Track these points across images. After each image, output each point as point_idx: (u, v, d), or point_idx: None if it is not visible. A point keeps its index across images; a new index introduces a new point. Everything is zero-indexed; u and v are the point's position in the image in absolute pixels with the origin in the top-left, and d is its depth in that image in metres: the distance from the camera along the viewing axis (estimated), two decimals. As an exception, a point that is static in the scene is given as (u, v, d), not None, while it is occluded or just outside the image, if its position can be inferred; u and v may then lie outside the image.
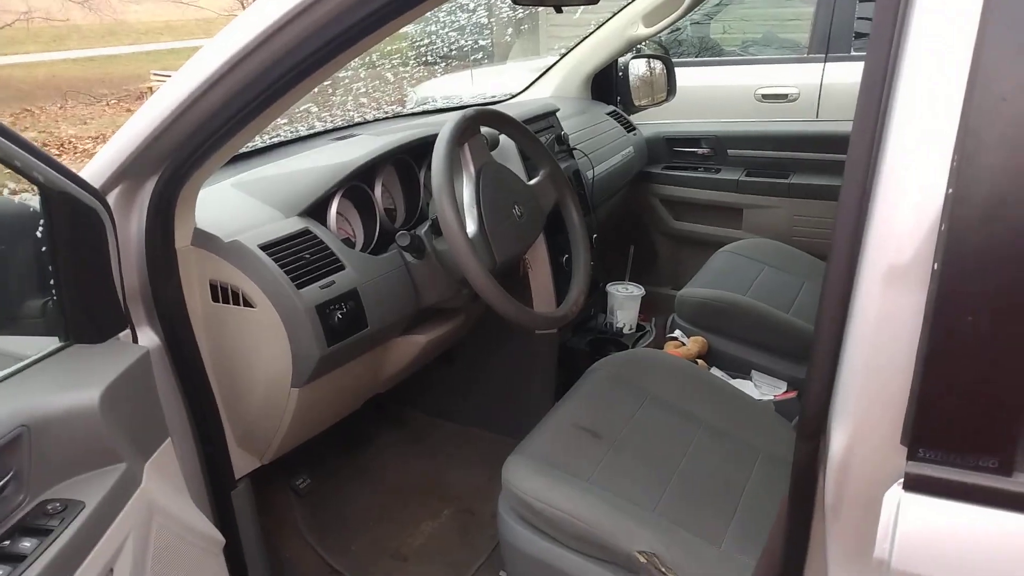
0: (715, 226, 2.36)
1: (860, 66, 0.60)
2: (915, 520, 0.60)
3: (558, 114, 1.92)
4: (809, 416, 0.67)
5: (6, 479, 0.81)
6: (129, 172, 1.04)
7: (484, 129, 1.38)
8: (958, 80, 0.54)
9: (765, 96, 3.48)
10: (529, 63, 2.52)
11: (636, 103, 2.41)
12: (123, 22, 18.54)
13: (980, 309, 0.55)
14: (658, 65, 2.46)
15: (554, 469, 1.18)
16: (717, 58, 3.99)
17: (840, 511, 0.66)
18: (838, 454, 0.65)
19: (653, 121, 2.53)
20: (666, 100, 2.47)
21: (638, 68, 2.42)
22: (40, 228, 0.92)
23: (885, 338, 0.59)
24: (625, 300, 1.88)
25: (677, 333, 1.83)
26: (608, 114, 2.27)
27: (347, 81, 2.32)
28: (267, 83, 0.96)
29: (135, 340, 1.06)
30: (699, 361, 1.75)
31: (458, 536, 1.64)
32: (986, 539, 0.58)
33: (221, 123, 1.00)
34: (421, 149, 1.52)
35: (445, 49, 2.54)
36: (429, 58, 2.48)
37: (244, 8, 0.98)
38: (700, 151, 2.38)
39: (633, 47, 2.28)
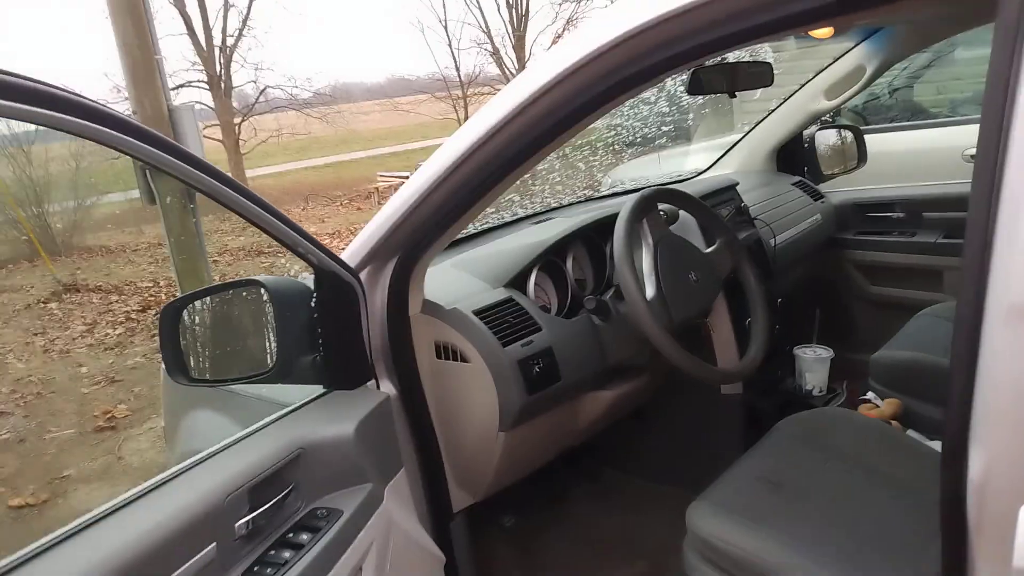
0: (913, 289, 2.31)
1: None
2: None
3: (739, 187, 2.04)
4: (951, 445, 0.74)
5: (289, 489, 1.06)
6: (376, 255, 1.31)
7: (663, 205, 1.55)
8: None
9: (973, 157, 3.32)
10: (714, 141, 2.66)
11: (825, 172, 2.45)
12: (354, 131, 20.87)
13: None
14: (848, 135, 2.50)
15: (735, 514, 1.27)
16: (916, 121, 3.87)
17: (983, 528, 0.72)
18: (977, 476, 0.71)
19: (844, 188, 2.55)
20: (856, 167, 2.49)
21: (826, 138, 2.47)
22: (313, 300, 1.21)
23: (1014, 371, 0.67)
24: (813, 363, 1.92)
25: (870, 395, 1.83)
26: (794, 184, 2.35)
27: (544, 172, 2.60)
28: (480, 180, 1.19)
29: (378, 388, 1.31)
30: (893, 422, 1.74)
31: None
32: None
33: (444, 214, 1.25)
34: (607, 226, 1.71)
35: (630, 138, 2.77)
36: (616, 147, 2.71)
37: (456, 112, 1.23)
38: (894, 215, 2.37)
39: (816, 120, 2.35)
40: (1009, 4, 0.66)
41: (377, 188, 12.72)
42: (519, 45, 17.79)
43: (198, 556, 0.88)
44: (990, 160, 0.69)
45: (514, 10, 18.40)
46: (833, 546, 1.19)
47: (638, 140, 2.82)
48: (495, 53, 18.30)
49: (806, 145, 2.43)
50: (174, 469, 0.99)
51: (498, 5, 18.02)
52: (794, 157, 2.43)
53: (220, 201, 1.00)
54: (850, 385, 2.02)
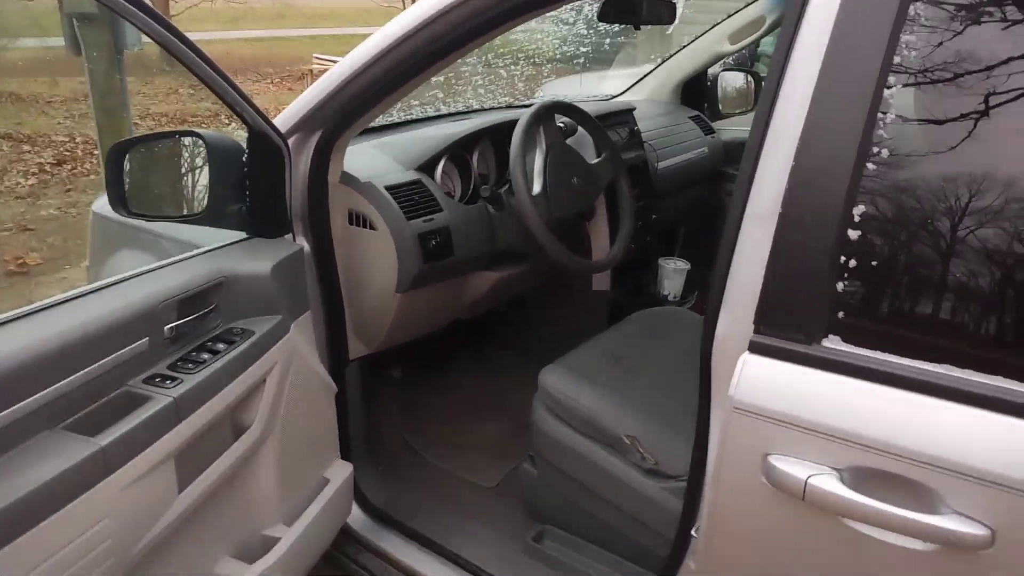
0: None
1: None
2: (751, 370, 0.95)
3: (636, 113, 2.29)
4: (710, 314, 1.02)
5: (211, 308, 1.28)
6: (304, 125, 1.49)
7: (563, 118, 1.79)
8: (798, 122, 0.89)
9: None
10: (630, 70, 2.90)
11: (723, 111, 2.72)
12: (292, 6, 19.91)
13: (796, 240, 0.90)
14: (750, 79, 2.76)
15: (577, 375, 1.57)
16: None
17: (719, 369, 1.01)
18: (721, 334, 1.00)
19: (738, 128, 2.83)
20: (751, 111, 2.76)
21: (729, 80, 2.73)
22: (244, 156, 1.40)
23: (751, 257, 0.95)
24: (672, 272, 2.23)
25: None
26: (691, 118, 2.62)
27: (467, 74, 2.81)
28: (402, 70, 1.38)
29: (295, 241, 1.53)
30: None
31: (510, 435, 2.06)
32: (792, 383, 0.92)
33: (369, 96, 1.44)
34: (512, 129, 1.94)
35: (549, 53, 2.99)
36: (536, 60, 2.93)
37: (401, 1, 1.39)
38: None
39: (719, 61, 2.60)
40: None
41: (311, 70, 12.33)
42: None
43: (133, 345, 1.10)
44: (764, 113, 0.95)
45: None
46: (646, 402, 1.51)
47: (557, 56, 3.05)
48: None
49: (709, 84, 2.68)
50: (119, 276, 1.19)
51: None
52: (696, 93, 2.69)
53: (171, 52, 1.18)
54: (700, 294, 2.35)
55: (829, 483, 0.88)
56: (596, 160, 1.86)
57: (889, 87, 0.85)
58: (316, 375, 1.49)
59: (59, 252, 4.57)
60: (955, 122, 0.84)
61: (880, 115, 0.86)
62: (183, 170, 1.49)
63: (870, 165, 0.86)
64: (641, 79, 2.71)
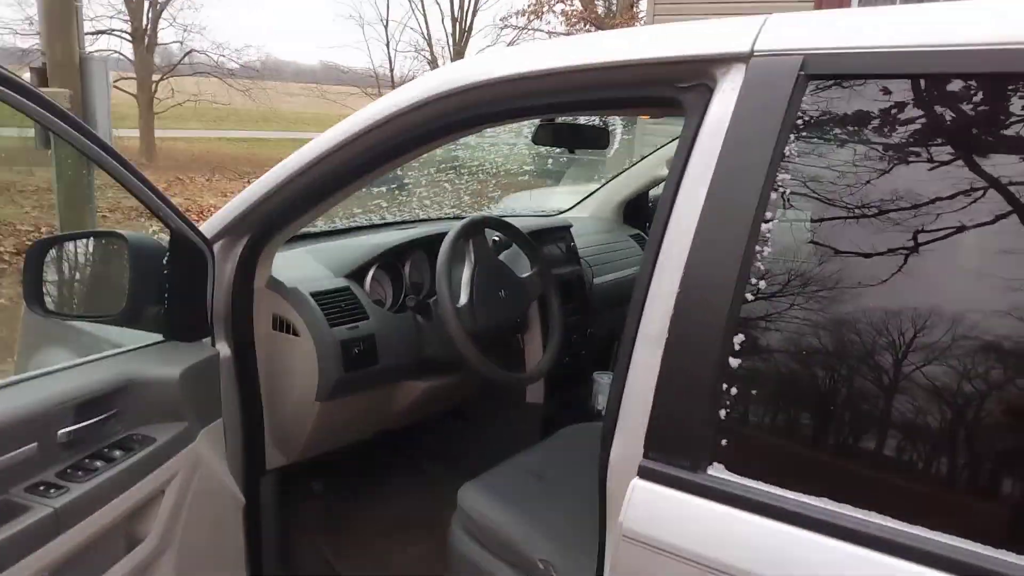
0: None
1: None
2: (640, 497, 0.94)
3: (576, 230, 2.35)
4: (605, 436, 1.02)
5: (112, 413, 1.25)
6: (230, 231, 1.51)
7: (496, 234, 1.83)
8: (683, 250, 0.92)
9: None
10: (578, 187, 3.02)
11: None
12: (277, 111, 20.50)
13: (681, 365, 0.91)
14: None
15: (496, 495, 1.54)
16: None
17: (613, 494, 1.00)
18: (615, 456, 1.00)
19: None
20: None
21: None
22: (165, 259, 1.40)
23: (642, 380, 0.95)
24: (606, 386, 2.23)
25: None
26: (631, 236, 2.69)
27: (410, 186, 2.90)
28: (325, 182, 1.41)
29: (214, 346, 1.51)
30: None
31: (436, 556, 1.98)
32: (678, 510, 0.91)
33: (294, 205, 1.47)
34: None
35: (493, 170, 3.12)
36: (479, 175, 3.05)
37: None
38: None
39: (659, 184, 2.70)
40: None
41: (289, 172, 12.54)
42: (458, 58, 18.11)
43: (20, 450, 1.06)
44: (656, 239, 0.98)
45: (459, 24, 18.74)
46: (566, 524, 1.47)
47: (500, 172, 3.17)
48: (432, 62, 18.55)
49: (650, 204, 2.78)
50: (11, 378, 1.17)
51: (443, 16, 18.29)
52: (638, 212, 2.77)
53: (86, 154, 1.19)
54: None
55: None
56: (526, 275, 1.89)
57: (767, 221, 0.89)
58: (223, 486, 1.45)
59: (3, 344, 4.46)
60: (832, 254, 0.87)
61: (758, 248, 0.89)
62: (105, 271, 1.49)
63: (748, 295, 0.89)
64: (586, 197, 2.80)
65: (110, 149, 1.22)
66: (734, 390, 0.88)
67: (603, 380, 2.27)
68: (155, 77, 15.87)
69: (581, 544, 1.43)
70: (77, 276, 1.51)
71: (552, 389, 2.14)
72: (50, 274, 1.44)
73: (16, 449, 1.06)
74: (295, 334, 1.60)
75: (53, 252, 1.44)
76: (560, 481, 1.62)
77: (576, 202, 2.83)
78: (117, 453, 1.20)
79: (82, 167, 4.86)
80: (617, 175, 2.75)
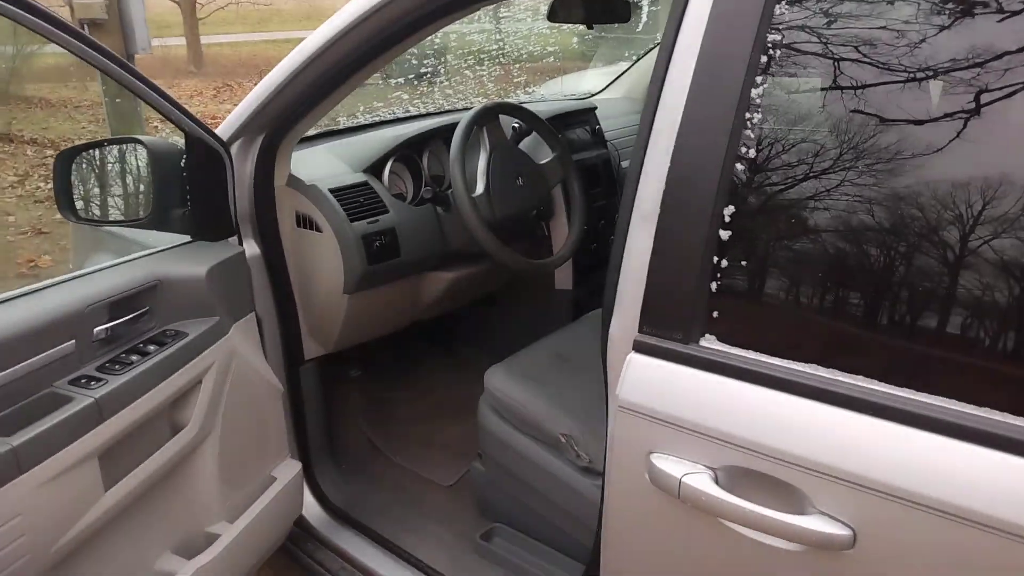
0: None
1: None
2: (635, 370, 0.95)
3: (606, 111, 2.29)
4: (605, 314, 1.02)
5: (144, 311, 1.32)
6: (246, 130, 1.53)
7: (515, 121, 1.80)
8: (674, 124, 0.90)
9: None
10: (610, 68, 2.90)
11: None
12: (317, 7, 20.10)
13: (673, 240, 0.90)
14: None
15: (520, 376, 1.58)
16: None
17: (613, 367, 1.02)
18: (614, 333, 1.01)
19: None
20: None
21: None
22: (183, 161, 1.44)
23: (637, 257, 0.95)
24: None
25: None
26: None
27: (430, 76, 2.83)
28: (337, 70, 1.40)
29: (241, 244, 1.56)
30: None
31: (471, 434, 2.07)
32: (671, 382, 0.93)
33: (307, 98, 1.47)
34: None
35: (515, 54, 2.99)
36: (501, 60, 2.93)
37: None
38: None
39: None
40: None
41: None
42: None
43: (61, 346, 1.14)
44: (649, 114, 0.95)
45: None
46: (585, 401, 1.51)
47: (523, 56, 3.05)
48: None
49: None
50: (49, 281, 1.23)
51: None
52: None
53: (96, 66, 1.21)
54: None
55: (702, 482, 0.89)
56: (544, 160, 1.87)
57: (756, 86, 0.86)
58: (260, 375, 1.52)
59: (68, 254, 4.69)
60: (822, 123, 0.84)
61: (748, 116, 0.86)
62: (127, 176, 1.53)
63: (739, 165, 0.87)
64: (618, 77, 2.70)
65: (118, 59, 1.24)
66: (724, 262, 0.88)
67: (632, 263, 2.27)
68: (196, -19, 15.63)
69: (599, 418, 1.47)
70: (105, 182, 1.56)
71: (581, 275, 2.15)
72: (79, 182, 1.49)
73: (56, 347, 1.13)
74: (318, 230, 1.64)
75: (79, 161, 1.48)
76: (583, 361, 1.65)
77: (608, 83, 2.73)
78: (152, 348, 1.28)
79: (126, 78, 4.89)
80: (649, 51, 2.64)
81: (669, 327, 0.93)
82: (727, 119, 0.86)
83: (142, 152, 1.47)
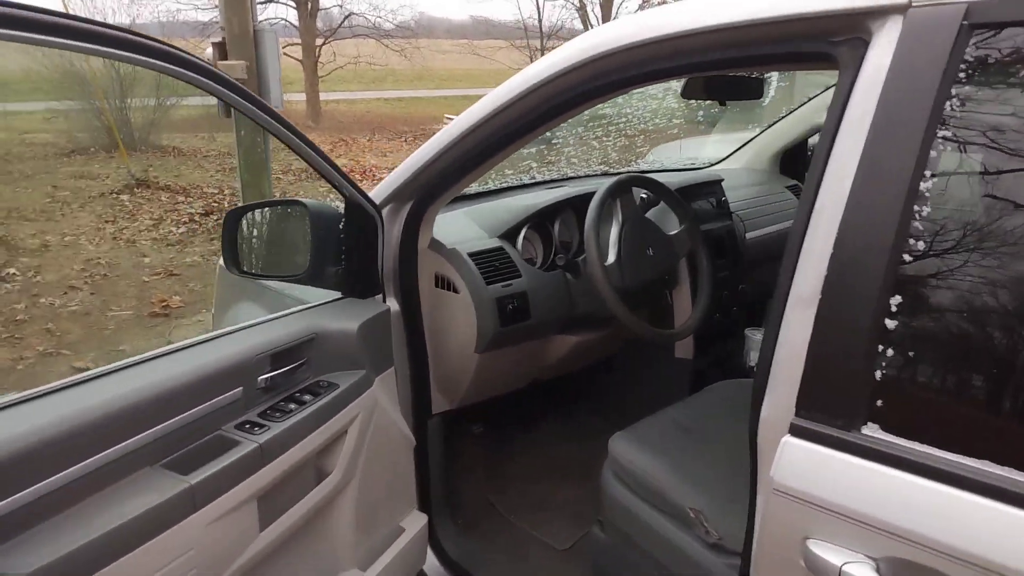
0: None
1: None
2: (792, 452, 0.96)
3: (730, 183, 2.31)
4: (756, 394, 1.04)
5: (302, 361, 1.41)
6: (397, 196, 1.63)
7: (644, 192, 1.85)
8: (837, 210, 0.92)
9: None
10: (731, 136, 2.92)
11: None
12: (430, 68, 21.04)
13: (836, 326, 0.91)
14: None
15: (644, 445, 1.59)
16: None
17: (764, 449, 1.02)
18: (766, 415, 1.02)
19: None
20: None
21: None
22: (341, 224, 1.54)
23: (794, 339, 0.97)
24: (758, 343, 2.20)
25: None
26: (788, 187, 2.60)
27: (559, 145, 2.93)
28: (484, 147, 1.49)
29: (384, 302, 1.65)
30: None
31: (587, 499, 2.08)
32: (830, 468, 0.92)
33: (455, 171, 1.56)
34: None
35: (641, 126, 3.07)
36: (628, 131, 3.01)
37: (531, 63, 1.45)
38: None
39: (818, 132, 2.57)
40: None
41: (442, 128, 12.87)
42: (607, 4, 17.72)
43: (229, 393, 1.23)
44: (809, 199, 0.97)
45: (607, -31, 18.25)
46: (713, 476, 1.51)
47: (650, 128, 3.12)
48: (581, 8, 18.25)
49: (809, 153, 2.66)
50: (219, 331, 1.34)
51: (591, -39, 17.90)
52: (795, 162, 2.66)
53: (265, 127, 1.32)
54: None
55: (863, 571, 0.88)
56: (674, 232, 1.90)
57: (926, 179, 0.87)
58: (396, 428, 1.59)
59: (198, 296, 5.00)
60: (992, 217, 0.84)
61: (916, 207, 0.87)
62: (289, 235, 1.65)
63: (906, 256, 0.87)
64: (740, 147, 2.72)
65: (294, 129, 1.35)
66: (890, 351, 0.88)
67: (755, 337, 2.25)
68: (318, 42, 16.69)
69: (729, 495, 1.46)
70: (265, 239, 1.69)
71: (702, 345, 2.15)
72: (243, 238, 1.62)
73: (226, 393, 1.22)
74: (455, 291, 1.71)
75: (245, 219, 1.61)
76: (708, 435, 1.65)
77: (729, 153, 2.76)
78: (307, 397, 1.35)
79: (257, 134, 5.25)
80: (773, 123, 2.65)
81: (830, 413, 0.93)
82: (896, 208, 0.87)
83: (302, 213, 1.59)
